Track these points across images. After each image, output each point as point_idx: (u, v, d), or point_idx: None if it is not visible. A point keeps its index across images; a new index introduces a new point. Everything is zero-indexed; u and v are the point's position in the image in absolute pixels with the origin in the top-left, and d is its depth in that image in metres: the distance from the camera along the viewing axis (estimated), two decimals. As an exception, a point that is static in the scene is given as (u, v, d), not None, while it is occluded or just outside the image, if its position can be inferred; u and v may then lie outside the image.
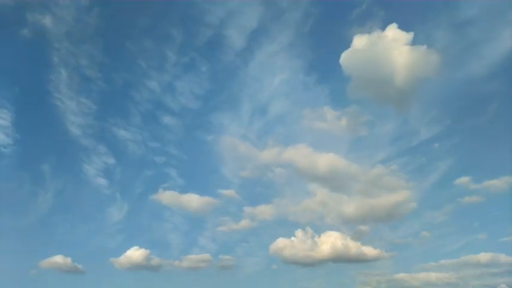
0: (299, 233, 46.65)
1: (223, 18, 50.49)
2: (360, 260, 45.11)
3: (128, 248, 45.57)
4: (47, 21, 46.86)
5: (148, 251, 45.63)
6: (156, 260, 46.32)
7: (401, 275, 43.53)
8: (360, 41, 44.34)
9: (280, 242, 46.12)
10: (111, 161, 50.03)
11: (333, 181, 48.95)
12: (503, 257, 40.61)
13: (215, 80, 52.78)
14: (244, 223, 47.92)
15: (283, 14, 51.19)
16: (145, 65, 51.32)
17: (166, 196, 48.70)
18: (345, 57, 43.80)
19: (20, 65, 50.05)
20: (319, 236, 46.06)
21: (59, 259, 43.03)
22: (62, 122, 49.42)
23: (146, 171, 51.14)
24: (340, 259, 45.30)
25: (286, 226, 48.83)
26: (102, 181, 49.28)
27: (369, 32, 45.05)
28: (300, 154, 48.53)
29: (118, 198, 49.19)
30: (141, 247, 45.55)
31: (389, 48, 42.85)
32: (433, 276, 42.53)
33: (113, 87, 51.52)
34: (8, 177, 46.67)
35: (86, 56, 49.93)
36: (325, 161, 47.86)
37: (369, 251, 44.80)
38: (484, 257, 41.73)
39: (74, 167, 50.12)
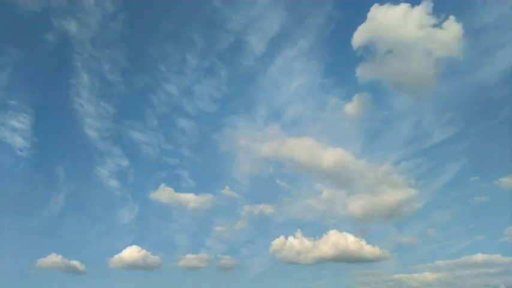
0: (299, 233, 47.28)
1: (245, 25, 51.41)
2: (363, 260, 45.35)
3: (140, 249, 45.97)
4: (72, 26, 48.01)
5: (158, 256, 46.73)
6: (164, 261, 47.05)
7: (406, 275, 44.00)
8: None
9: (281, 241, 46.75)
10: (125, 163, 51.09)
11: (341, 179, 50.06)
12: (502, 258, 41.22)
13: (233, 85, 53.68)
14: (251, 223, 49.42)
15: (305, 18, 51.86)
16: (165, 69, 52.78)
17: (177, 197, 49.70)
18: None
19: (42, 69, 51.18)
20: (326, 234, 46.51)
21: (57, 259, 43.46)
22: (80, 125, 50.33)
23: (159, 172, 51.99)
24: (343, 259, 45.57)
25: (291, 225, 50.32)
26: (114, 183, 50.26)
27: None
28: (312, 154, 49.41)
29: (129, 200, 50.03)
30: (149, 249, 46.58)
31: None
32: (439, 275, 43.09)
33: (133, 91, 53.08)
34: (22, 179, 48.29)
35: (108, 61, 51.16)
36: (335, 160, 48.71)
37: (374, 250, 44.95)
38: (491, 257, 42.18)
39: (88, 170, 51.17)
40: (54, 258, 43.21)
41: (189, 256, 47.25)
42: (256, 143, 51.44)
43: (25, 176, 47.67)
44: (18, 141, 46.84)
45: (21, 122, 47.13)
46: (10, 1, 46.77)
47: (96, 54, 50.29)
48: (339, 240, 44.79)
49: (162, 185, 49.57)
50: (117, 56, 51.26)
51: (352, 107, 49.47)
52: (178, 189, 50.40)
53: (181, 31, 53.10)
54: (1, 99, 47.75)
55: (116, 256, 45.36)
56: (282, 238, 46.90)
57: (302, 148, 49.63)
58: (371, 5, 42.98)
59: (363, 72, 46.14)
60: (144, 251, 45.90)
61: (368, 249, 44.65)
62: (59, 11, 47.57)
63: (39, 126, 48.78)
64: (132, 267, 45.04)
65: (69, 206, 48.80)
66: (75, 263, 44.16)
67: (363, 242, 45.03)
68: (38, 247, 45.70)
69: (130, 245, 46.43)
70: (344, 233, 45.86)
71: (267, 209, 49.43)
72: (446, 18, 41.51)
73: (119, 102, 51.68)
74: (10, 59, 48.42)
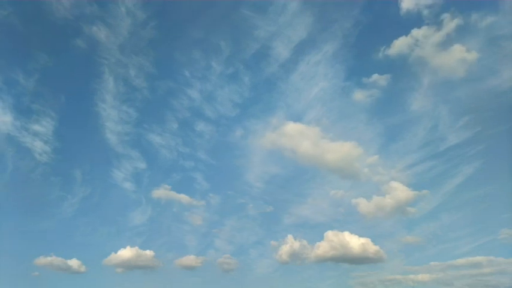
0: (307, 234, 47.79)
1: (273, 32, 51.70)
2: (369, 261, 45.52)
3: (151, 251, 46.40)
4: (102, 33, 49.17)
5: (165, 256, 47.26)
6: (171, 261, 47.30)
7: (411, 276, 44.00)
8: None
9: (287, 242, 47.02)
10: (142, 165, 51.42)
11: (354, 180, 50.85)
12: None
13: (255, 90, 54.01)
14: (259, 224, 50.36)
15: (332, 24, 51.85)
16: (189, 74, 53.32)
17: (188, 199, 50.04)
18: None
19: (69, 74, 52.38)
20: (335, 235, 46.38)
21: (56, 260, 43.90)
22: (101, 130, 50.94)
23: (174, 175, 52.49)
24: (349, 259, 45.89)
25: (300, 226, 50.88)
26: (128, 185, 50.55)
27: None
28: (326, 156, 49.88)
29: (143, 202, 50.31)
30: (156, 249, 47.02)
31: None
32: (444, 276, 43.20)
33: (156, 96, 53.60)
34: (39, 183, 48.01)
35: (135, 67, 51.81)
36: (349, 162, 49.25)
37: (380, 250, 45.03)
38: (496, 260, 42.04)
39: (104, 173, 52.00)
40: (51, 259, 43.79)
41: (194, 257, 47.74)
42: (271, 146, 52.04)
43: (42, 180, 48.30)
44: (38, 145, 47.38)
45: (44, 126, 48.05)
46: (44, 9, 48.13)
47: (123, 60, 51.31)
48: (348, 241, 45.07)
49: (172, 186, 50.37)
50: (143, 61, 51.96)
51: (371, 110, 50.30)
52: (190, 191, 51.55)
53: (208, 38, 53.82)
54: (26, 104, 48.74)
55: (120, 256, 45.48)
56: (288, 239, 47.29)
57: (316, 150, 50.18)
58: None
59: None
60: (149, 252, 46.40)
61: (374, 250, 44.77)
62: (91, 18, 49.01)
63: (61, 130, 49.69)
64: (137, 267, 45.59)
65: (82, 208, 49.34)
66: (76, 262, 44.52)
67: (371, 243, 45.15)
68: (41, 248, 46.30)
69: (140, 246, 46.88)
70: (350, 233, 46.22)
71: (276, 210, 50.41)
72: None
73: (141, 107, 52.58)
74: (38, 64, 49.15)
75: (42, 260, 43.84)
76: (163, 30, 52.26)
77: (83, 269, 44.81)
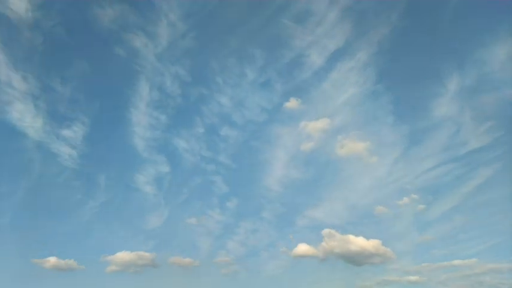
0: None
1: (310, 42, 52.06)
2: (378, 262, 45.50)
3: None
4: (142, 42, 50.78)
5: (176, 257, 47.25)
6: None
7: (419, 277, 44.07)
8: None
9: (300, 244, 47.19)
10: (165, 169, 51.96)
11: (374, 183, 50.85)
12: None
13: (285, 96, 53.85)
14: (273, 226, 50.29)
15: (369, 31, 51.91)
16: (222, 81, 53.47)
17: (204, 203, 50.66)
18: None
19: (106, 81, 53.96)
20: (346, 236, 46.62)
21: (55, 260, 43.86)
22: (130, 135, 52.04)
23: (195, 178, 52.93)
24: (358, 260, 45.72)
25: (314, 228, 49.78)
26: (149, 188, 50.91)
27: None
28: (349, 160, 50.61)
29: (162, 205, 50.94)
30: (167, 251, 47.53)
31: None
32: (454, 275, 43.21)
33: (187, 102, 54.72)
34: (62, 187, 48.91)
35: (171, 75, 53.00)
36: (371, 168, 50.32)
37: (390, 251, 45.15)
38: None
39: (127, 177, 52.40)
40: (51, 259, 43.70)
41: (205, 258, 48.05)
42: (295, 150, 52.83)
43: (66, 184, 48.82)
44: (65, 150, 48.01)
45: (74, 132, 48.77)
46: (89, 19, 50.41)
47: (160, 68, 52.34)
48: (359, 243, 45.13)
49: (190, 190, 51.64)
50: (180, 70, 52.91)
51: (395, 114, 50.66)
52: (207, 194, 52.01)
53: (245, 47, 54.41)
54: (59, 110, 49.87)
55: (131, 258, 45.82)
56: (299, 240, 47.70)
57: (338, 153, 50.72)
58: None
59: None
60: (160, 254, 46.98)
61: (385, 251, 45.00)
62: (133, 27, 50.75)
63: (91, 136, 50.27)
64: (147, 268, 45.97)
65: (100, 212, 49.71)
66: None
67: (381, 245, 45.27)
68: (46, 249, 46.21)
69: (153, 248, 47.72)
70: (363, 235, 46.04)
71: (290, 212, 50.80)
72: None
73: (173, 113, 53.15)
74: (77, 71, 51.27)
75: (43, 261, 43.95)
76: (202, 40, 53.28)
77: (91, 271, 45.28)
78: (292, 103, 52.52)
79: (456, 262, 44.26)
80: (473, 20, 50.59)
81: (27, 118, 46.98)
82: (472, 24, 51.27)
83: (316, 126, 51.89)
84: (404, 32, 51.79)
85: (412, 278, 44.34)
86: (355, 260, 45.74)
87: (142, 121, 51.75)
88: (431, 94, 50.56)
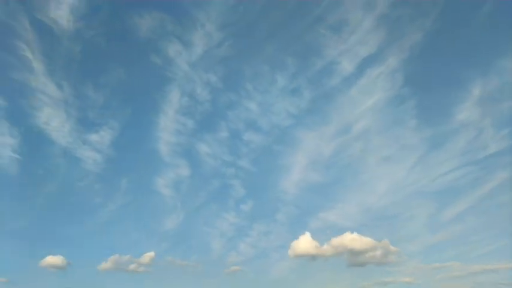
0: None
1: (342, 50, 51.76)
2: (388, 263, 46.26)
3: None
4: (177, 51, 51.67)
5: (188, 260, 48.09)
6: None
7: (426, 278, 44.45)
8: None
9: (308, 245, 46.87)
10: (185, 173, 52.73)
11: (390, 186, 51.02)
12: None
13: (313, 102, 54.37)
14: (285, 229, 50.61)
15: (403, 36, 51.55)
16: (251, 88, 54.03)
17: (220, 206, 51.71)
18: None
19: (139, 88, 55.41)
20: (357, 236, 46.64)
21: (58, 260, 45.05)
22: (155, 140, 53.13)
23: (214, 181, 53.64)
24: (367, 261, 46.34)
25: (326, 229, 50.25)
26: (167, 191, 51.70)
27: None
28: (366, 163, 51.36)
29: (178, 208, 51.78)
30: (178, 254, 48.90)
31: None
32: (461, 275, 43.65)
33: (216, 108, 54.90)
34: (84, 191, 50.29)
35: (202, 82, 53.12)
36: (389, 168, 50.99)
37: (399, 252, 45.77)
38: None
39: (148, 181, 53.24)
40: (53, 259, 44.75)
41: (217, 259, 49.35)
42: (316, 154, 53.45)
43: (88, 188, 50.33)
44: (91, 155, 49.78)
45: (102, 137, 50.41)
46: (128, 28, 52.12)
47: (193, 76, 53.08)
48: (367, 243, 45.53)
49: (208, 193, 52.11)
50: (212, 77, 53.27)
51: (419, 118, 51.11)
52: (224, 197, 52.54)
53: (279, 55, 55.15)
54: (91, 116, 51.52)
55: (143, 260, 47.13)
56: (308, 242, 47.07)
57: (358, 157, 51.70)
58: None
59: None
60: (171, 256, 48.40)
61: (394, 251, 45.74)
62: (170, 36, 51.70)
63: (118, 141, 51.59)
64: (157, 270, 47.39)
65: (119, 214, 50.85)
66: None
67: (390, 245, 45.99)
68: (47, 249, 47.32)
69: (165, 250, 49.21)
70: (371, 237, 46.57)
71: (303, 214, 51.35)
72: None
73: (200, 118, 53.93)
74: (112, 78, 52.83)
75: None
76: (237, 49, 54.06)
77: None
78: (318, 109, 53.39)
79: (465, 263, 44.91)
80: (503, 28, 50.36)
81: (54, 123, 48.71)
82: (500, 32, 51.06)
83: (339, 130, 52.93)
84: (436, 38, 51.84)
85: (420, 279, 45.01)
86: (363, 261, 46.34)
87: (169, 127, 52.98)
88: (455, 99, 51.38)
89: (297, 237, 48.37)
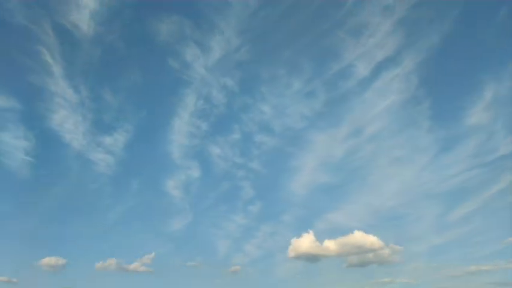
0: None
1: (360, 53, 51.93)
2: (392, 263, 47.23)
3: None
4: (195, 55, 52.43)
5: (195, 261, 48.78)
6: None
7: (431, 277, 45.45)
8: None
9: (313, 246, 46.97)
10: (196, 175, 52.96)
11: (400, 186, 52.26)
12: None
13: (328, 105, 54.59)
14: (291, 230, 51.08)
15: (420, 39, 51.67)
16: (267, 91, 54.11)
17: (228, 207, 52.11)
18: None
19: (156, 91, 55.80)
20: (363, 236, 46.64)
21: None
22: (169, 143, 53.89)
23: (223, 183, 53.84)
24: (371, 261, 47.21)
25: (332, 231, 51.02)
26: (177, 193, 52.11)
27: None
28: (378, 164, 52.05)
29: (187, 209, 52.25)
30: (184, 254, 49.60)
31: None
32: (464, 273, 44.86)
33: (230, 111, 55.02)
34: (96, 193, 51.45)
35: (219, 86, 53.32)
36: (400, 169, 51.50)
37: (403, 252, 46.76)
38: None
39: (158, 183, 53.47)
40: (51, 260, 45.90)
41: (222, 260, 50.09)
42: (327, 155, 54.04)
43: (99, 190, 51.12)
44: (104, 157, 50.32)
45: (115, 139, 50.77)
46: (148, 32, 53.10)
47: (209, 80, 53.28)
48: (372, 244, 45.55)
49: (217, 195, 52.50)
50: (228, 81, 53.64)
51: (432, 120, 51.94)
52: (233, 198, 53.10)
53: (296, 59, 55.58)
54: (106, 118, 52.88)
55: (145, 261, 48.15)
56: (312, 242, 46.95)
57: (369, 158, 52.40)
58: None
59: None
60: (174, 256, 49.68)
61: (398, 251, 46.56)
62: (190, 41, 52.98)
63: (132, 143, 51.98)
64: (157, 271, 48.21)
65: (127, 216, 51.54)
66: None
67: (395, 246, 46.56)
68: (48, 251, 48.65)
69: (170, 251, 50.11)
70: (378, 237, 46.62)
71: (310, 215, 51.98)
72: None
73: (214, 121, 54.20)
74: (129, 82, 53.91)
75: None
76: (254, 53, 54.45)
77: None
78: (332, 111, 53.49)
79: (465, 263, 46.26)
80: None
81: (69, 125, 49.37)
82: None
83: (351, 132, 53.09)
84: (453, 40, 52.21)
85: (423, 278, 45.77)
86: (367, 261, 46.86)
87: (183, 129, 53.17)
88: (468, 101, 51.84)
89: (300, 238, 48.63)
